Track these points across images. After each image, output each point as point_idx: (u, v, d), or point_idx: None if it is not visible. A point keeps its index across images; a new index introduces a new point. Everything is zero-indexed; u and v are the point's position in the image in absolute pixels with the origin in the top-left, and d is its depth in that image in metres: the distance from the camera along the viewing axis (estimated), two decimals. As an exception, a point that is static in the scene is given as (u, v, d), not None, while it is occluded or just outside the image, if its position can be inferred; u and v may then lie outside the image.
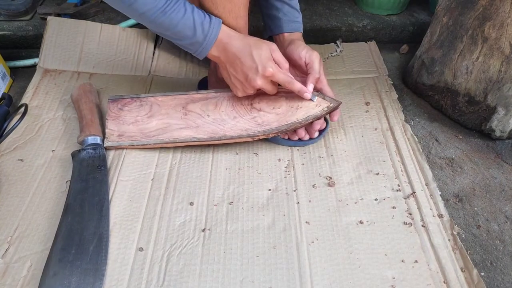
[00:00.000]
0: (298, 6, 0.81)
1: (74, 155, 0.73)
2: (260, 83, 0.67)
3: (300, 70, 0.77)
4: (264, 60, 0.66)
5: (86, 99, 0.80)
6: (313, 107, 0.73)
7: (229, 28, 0.67)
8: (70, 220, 0.63)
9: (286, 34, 0.80)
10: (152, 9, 0.61)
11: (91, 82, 0.88)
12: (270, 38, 0.82)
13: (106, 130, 0.74)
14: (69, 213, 0.64)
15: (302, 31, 0.82)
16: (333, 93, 0.76)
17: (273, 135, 0.73)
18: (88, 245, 0.60)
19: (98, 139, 0.74)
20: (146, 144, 0.74)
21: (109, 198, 0.68)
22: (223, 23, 0.67)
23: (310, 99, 0.72)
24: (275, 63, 0.68)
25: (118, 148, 0.75)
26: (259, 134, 0.73)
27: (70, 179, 0.69)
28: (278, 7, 0.79)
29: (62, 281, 0.56)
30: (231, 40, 0.66)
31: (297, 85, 0.70)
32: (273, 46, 0.69)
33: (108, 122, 0.75)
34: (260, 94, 0.76)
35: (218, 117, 0.75)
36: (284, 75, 0.69)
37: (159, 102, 0.77)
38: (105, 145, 0.73)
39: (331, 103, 0.73)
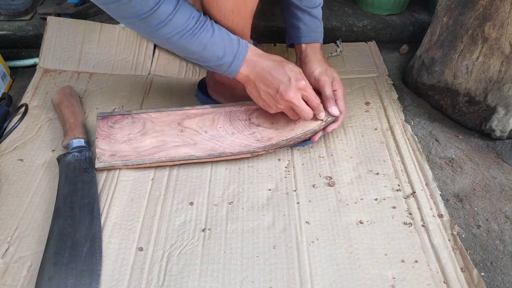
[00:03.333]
0: (320, 15, 0.79)
1: (60, 159, 0.72)
2: (292, 95, 0.66)
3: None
4: (296, 72, 0.67)
5: (67, 103, 0.80)
6: (311, 122, 0.73)
7: (255, 47, 0.68)
8: (61, 224, 0.63)
9: (303, 45, 0.79)
10: (181, 32, 0.60)
11: (71, 85, 0.88)
12: (291, 46, 0.82)
13: (97, 150, 0.70)
14: (60, 216, 0.64)
15: (321, 41, 0.80)
16: (345, 105, 0.77)
17: (272, 151, 0.73)
18: (81, 247, 0.60)
19: (82, 142, 0.74)
20: (141, 164, 0.71)
21: (99, 198, 0.68)
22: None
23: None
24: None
25: (111, 169, 0.71)
26: (259, 150, 0.72)
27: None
28: (299, 16, 0.77)
29: (58, 284, 0.56)
30: (260, 58, 0.67)
31: (320, 108, 0.71)
32: (301, 71, 0.70)
33: (98, 141, 0.71)
34: (258, 109, 0.75)
35: (216, 133, 0.74)
36: (314, 94, 0.69)
37: (152, 119, 0.74)
38: (96, 166, 0.70)
39: (328, 117, 0.73)
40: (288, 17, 0.80)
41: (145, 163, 0.70)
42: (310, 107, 0.69)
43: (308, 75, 0.74)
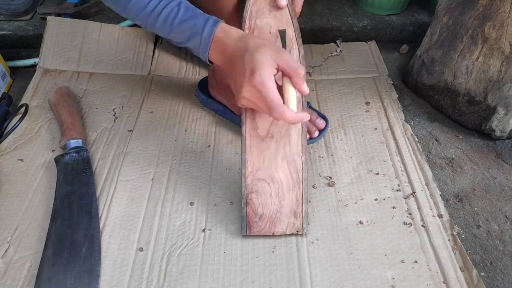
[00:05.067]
0: None
1: (57, 160, 0.72)
2: (246, 93, 0.53)
3: None
4: (256, 64, 0.52)
5: (64, 103, 0.80)
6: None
7: (230, 27, 0.57)
8: (59, 225, 0.63)
9: None
10: (147, 13, 0.58)
11: (68, 86, 0.88)
12: None
13: (288, 233, 0.63)
14: (58, 217, 0.64)
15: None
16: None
17: None
18: (80, 247, 0.60)
19: (80, 142, 0.74)
20: (305, 181, 0.64)
21: (98, 198, 0.68)
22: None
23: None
24: (283, 71, 0.55)
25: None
26: None
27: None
28: None
29: (57, 285, 0.56)
30: (229, 39, 0.56)
31: (287, 116, 0.53)
32: (281, 52, 0.54)
33: (279, 232, 0.63)
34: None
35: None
36: (272, 97, 0.52)
37: (254, 171, 0.64)
38: (307, 232, 0.63)
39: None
40: None
41: (305, 177, 0.63)
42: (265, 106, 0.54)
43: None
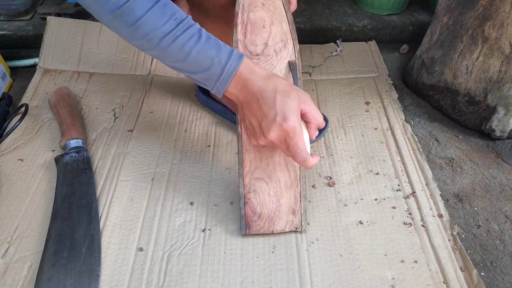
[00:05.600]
0: None
1: (57, 160, 0.72)
2: (273, 136, 0.53)
3: None
4: (288, 110, 0.52)
5: (64, 103, 0.80)
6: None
7: (254, 64, 0.55)
8: (59, 225, 0.63)
9: None
10: (160, 33, 0.51)
11: (68, 86, 0.88)
12: None
13: (287, 230, 0.63)
14: (58, 217, 0.64)
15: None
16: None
17: None
18: (80, 247, 0.60)
19: (80, 142, 0.74)
20: (304, 179, 0.64)
21: (99, 198, 0.68)
22: (215, 30, 0.59)
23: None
24: (305, 117, 0.56)
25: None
26: None
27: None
28: None
29: (57, 285, 0.56)
30: (254, 76, 0.54)
31: (308, 163, 0.55)
32: (306, 96, 0.55)
33: (278, 230, 0.63)
34: None
35: None
36: (302, 146, 0.54)
37: (253, 172, 0.64)
38: (305, 229, 0.62)
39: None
40: None
41: (303, 175, 0.63)
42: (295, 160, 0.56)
43: None
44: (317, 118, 0.56)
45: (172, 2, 0.53)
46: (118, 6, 0.50)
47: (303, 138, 0.55)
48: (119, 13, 0.50)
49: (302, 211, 0.63)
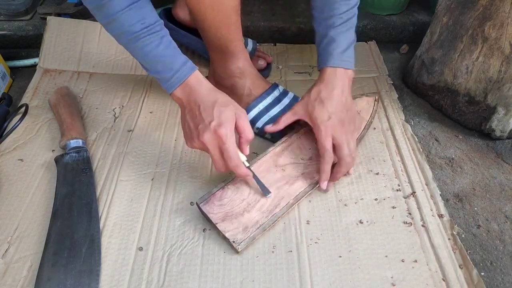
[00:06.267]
0: (342, 37, 0.69)
1: (57, 160, 0.72)
2: (206, 138, 0.59)
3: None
4: (223, 119, 0.59)
5: (64, 103, 0.80)
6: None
7: (203, 78, 0.63)
8: (59, 225, 0.63)
9: (322, 70, 0.71)
10: (125, 33, 0.59)
11: (68, 86, 0.88)
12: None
13: (227, 235, 0.62)
14: (58, 217, 0.64)
15: (344, 67, 0.70)
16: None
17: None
18: (80, 247, 0.60)
19: (80, 142, 0.74)
20: (276, 220, 0.64)
21: (99, 198, 0.68)
22: (214, 32, 0.66)
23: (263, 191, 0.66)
24: (238, 130, 0.62)
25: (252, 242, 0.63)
26: None
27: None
28: (317, 40, 0.72)
29: (57, 285, 0.56)
30: (200, 87, 0.62)
31: (239, 170, 0.62)
32: (242, 113, 0.63)
33: (221, 226, 0.62)
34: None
35: (311, 155, 0.72)
36: (233, 151, 0.60)
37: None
38: (239, 249, 0.61)
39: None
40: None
41: (278, 215, 0.65)
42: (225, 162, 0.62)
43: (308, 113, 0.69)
44: (247, 134, 0.62)
45: (149, 7, 0.60)
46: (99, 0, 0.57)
47: (235, 145, 0.61)
48: (99, 6, 0.58)
49: (250, 235, 0.62)
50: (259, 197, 0.67)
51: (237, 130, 0.62)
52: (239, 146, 0.64)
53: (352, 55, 0.71)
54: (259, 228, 0.63)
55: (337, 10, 0.68)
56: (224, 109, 0.60)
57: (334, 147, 0.67)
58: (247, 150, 0.64)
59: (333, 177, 0.68)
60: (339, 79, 0.69)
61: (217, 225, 0.63)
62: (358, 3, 0.70)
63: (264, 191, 0.66)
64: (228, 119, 0.60)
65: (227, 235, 0.62)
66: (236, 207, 0.65)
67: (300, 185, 0.69)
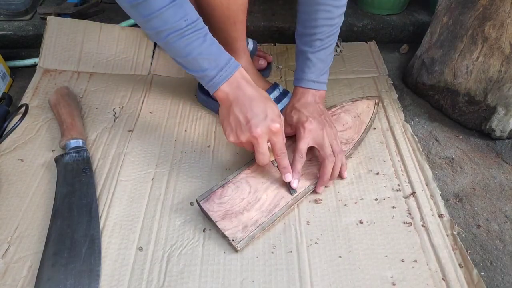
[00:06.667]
0: (319, 61, 0.73)
1: (57, 160, 0.72)
2: (260, 132, 0.61)
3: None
4: (276, 115, 0.62)
5: (64, 103, 0.80)
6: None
7: (247, 74, 0.64)
8: (59, 225, 0.63)
9: (296, 88, 0.75)
10: (169, 29, 0.57)
11: (68, 86, 0.88)
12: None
13: (226, 233, 0.62)
14: (58, 217, 0.64)
15: (315, 89, 0.73)
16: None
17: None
18: (80, 247, 0.60)
19: (80, 142, 0.74)
20: (276, 219, 0.64)
21: (99, 198, 0.68)
22: (221, 28, 0.66)
23: (290, 187, 0.67)
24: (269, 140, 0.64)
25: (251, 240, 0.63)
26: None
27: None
28: (297, 59, 0.75)
29: (57, 285, 0.56)
30: (247, 84, 0.62)
31: (285, 161, 0.65)
32: (282, 117, 0.65)
33: (221, 224, 0.63)
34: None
35: (310, 156, 0.73)
36: (283, 144, 0.64)
37: (251, 175, 0.70)
38: (239, 248, 0.61)
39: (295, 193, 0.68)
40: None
41: (278, 215, 0.65)
42: (273, 153, 0.65)
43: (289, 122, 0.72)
44: (278, 150, 0.64)
45: (189, 4, 0.59)
46: None
47: (284, 140, 0.64)
48: (136, 4, 0.56)
49: (249, 234, 0.62)
50: (259, 196, 0.67)
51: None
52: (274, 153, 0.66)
53: (326, 77, 0.75)
54: (259, 227, 0.63)
55: (319, 29, 0.70)
56: (274, 106, 0.63)
57: (317, 150, 0.70)
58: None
59: (320, 180, 0.69)
60: (310, 97, 0.73)
61: (216, 223, 0.63)
62: (342, 20, 0.73)
63: (292, 190, 0.67)
64: (279, 114, 0.63)
65: (226, 233, 0.62)
66: (236, 205, 0.65)
67: (300, 186, 0.69)
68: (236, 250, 0.61)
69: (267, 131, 0.61)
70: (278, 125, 0.62)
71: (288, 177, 0.66)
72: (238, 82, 0.62)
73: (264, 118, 0.61)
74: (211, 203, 0.65)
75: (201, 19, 0.60)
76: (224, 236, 0.62)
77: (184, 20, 0.57)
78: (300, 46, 0.73)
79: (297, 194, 0.68)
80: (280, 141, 0.64)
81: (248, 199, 0.66)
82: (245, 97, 0.62)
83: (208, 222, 0.65)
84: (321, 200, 0.69)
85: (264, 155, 0.64)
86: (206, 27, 0.61)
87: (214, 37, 0.74)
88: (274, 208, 0.65)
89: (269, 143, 0.64)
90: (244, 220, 0.64)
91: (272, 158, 0.66)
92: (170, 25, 0.57)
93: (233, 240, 0.61)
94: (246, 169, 0.70)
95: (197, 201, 0.65)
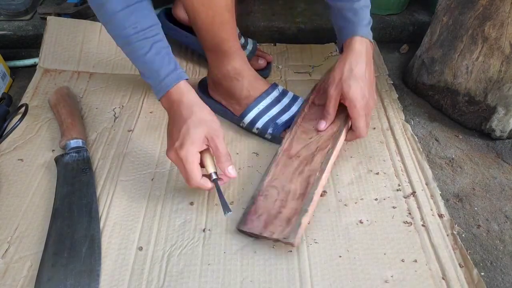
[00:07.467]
0: (363, 10, 0.73)
1: (57, 160, 0.72)
2: (171, 156, 0.61)
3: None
4: (187, 140, 0.59)
5: (64, 103, 0.80)
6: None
7: (189, 89, 0.63)
8: (59, 225, 0.63)
9: (346, 41, 0.73)
10: (119, 36, 0.61)
11: (68, 86, 0.88)
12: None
13: (275, 236, 0.61)
14: (58, 217, 0.64)
15: (365, 36, 0.72)
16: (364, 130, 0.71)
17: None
18: (80, 247, 0.60)
19: (80, 142, 0.74)
20: (314, 196, 0.64)
21: (98, 198, 0.68)
22: (208, 30, 0.67)
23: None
24: (212, 150, 0.62)
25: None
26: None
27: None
28: (341, 16, 0.74)
29: (57, 285, 0.56)
30: (181, 100, 0.61)
31: (204, 187, 0.62)
32: (216, 132, 0.61)
33: (267, 232, 0.61)
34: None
35: (316, 131, 0.74)
36: (192, 171, 0.59)
37: (273, 177, 0.70)
38: (295, 243, 0.59)
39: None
40: (335, 24, 0.77)
41: (313, 192, 0.64)
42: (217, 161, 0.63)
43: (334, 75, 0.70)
44: (220, 153, 0.61)
45: (144, 10, 0.60)
46: (98, 2, 0.59)
47: (195, 167, 0.60)
48: (96, 8, 0.60)
49: (296, 223, 0.61)
50: (288, 189, 0.66)
51: (212, 150, 0.62)
52: (218, 165, 0.63)
53: (371, 32, 0.74)
54: (301, 213, 0.62)
55: None
56: (194, 129, 0.59)
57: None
58: (228, 168, 0.63)
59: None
60: (367, 50, 0.71)
61: (262, 234, 0.61)
62: None
63: (224, 209, 0.62)
64: (193, 140, 0.59)
65: (275, 236, 0.60)
66: (272, 210, 0.64)
67: (320, 158, 0.69)
68: (293, 245, 0.60)
69: (176, 156, 0.60)
70: (183, 152, 0.59)
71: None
72: (174, 98, 0.62)
73: (174, 143, 0.60)
74: (250, 222, 0.64)
75: (155, 26, 0.62)
76: (277, 241, 0.61)
77: (133, 27, 0.59)
78: (345, 4, 0.72)
79: (321, 165, 0.68)
80: (188, 170, 0.60)
81: (279, 199, 0.66)
82: (172, 116, 0.62)
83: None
84: (322, 200, 0.69)
85: (185, 179, 0.62)
86: (160, 36, 0.62)
87: (204, 39, 0.74)
88: (307, 188, 0.65)
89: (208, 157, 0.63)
90: (285, 216, 0.63)
91: (211, 170, 0.63)
92: (120, 31, 0.60)
93: (285, 238, 0.59)
94: (267, 177, 0.70)
95: (239, 229, 0.64)
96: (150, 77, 0.63)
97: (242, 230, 0.64)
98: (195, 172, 0.60)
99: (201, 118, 0.61)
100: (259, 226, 0.63)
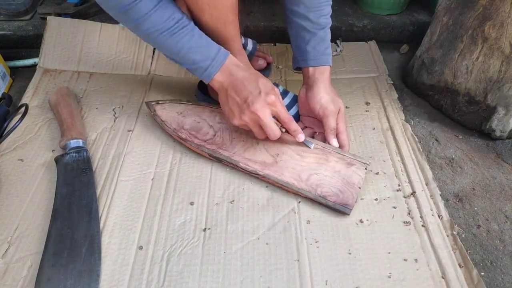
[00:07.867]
0: (328, 36, 0.77)
1: (57, 160, 0.72)
2: (258, 106, 0.63)
3: (316, 118, 0.77)
4: (269, 88, 0.65)
5: (64, 103, 0.80)
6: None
7: (236, 60, 0.68)
8: (59, 225, 0.63)
9: (311, 69, 0.77)
10: (159, 29, 0.62)
11: (68, 86, 0.88)
12: (298, 69, 0.81)
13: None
14: (58, 217, 0.64)
15: (330, 64, 0.77)
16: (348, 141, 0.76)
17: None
18: (80, 247, 0.60)
19: (80, 142, 0.74)
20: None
21: (98, 198, 0.68)
22: (211, 29, 0.68)
23: (304, 144, 0.72)
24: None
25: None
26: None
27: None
28: (306, 38, 0.76)
29: (57, 285, 0.56)
30: (237, 68, 0.67)
31: (293, 125, 0.68)
32: (276, 89, 0.67)
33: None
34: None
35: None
36: (285, 111, 0.67)
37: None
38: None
39: (316, 146, 0.73)
40: (294, 39, 0.78)
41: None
42: (280, 122, 0.68)
43: (314, 102, 0.75)
44: (284, 119, 0.67)
45: (173, 3, 0.62)
46: (125, 5, 0.59)
47: (272, 120, 0.66)
48: (124, 11, 0.60)
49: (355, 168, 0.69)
50: (324, 161, 0.72)
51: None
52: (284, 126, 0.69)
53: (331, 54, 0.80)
54: (346, 166, 0.71)
55: (323, 11, 0.75)
56: (266, 82, 0.66)
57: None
58: (299, 136, 0.70)
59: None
60: (329, 75, 0.78)
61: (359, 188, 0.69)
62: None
63: (308, 144, 0.72)
64: (272, 88, 0.66)
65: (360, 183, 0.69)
66: (336, 183, 0.69)
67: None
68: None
69: (265, 104, 0.64)
70: (273, 97, 0.64)
71: (301, 137, 0.70)
72: (230, 69, 0.66)
73: (258, 94, 0.64)
74: (346, 199, 0.67)
75: (186, 15, 0.65)
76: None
77: (172, 19, 0.62)
78: (309, 29, 0.75)
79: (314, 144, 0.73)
80: (281, 109, 0.66)
81: (328, 173, 0.70)
82: (238, 80, 0.65)
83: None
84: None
85: (271, 128, 0.66)
86: (192, 22, 0.65)
87: None
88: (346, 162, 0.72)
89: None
90: (342, 177, 0.70)
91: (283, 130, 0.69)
92: (159, 25, 0.62)
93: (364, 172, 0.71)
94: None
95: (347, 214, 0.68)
96: (199, 60, 0.65)
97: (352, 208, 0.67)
98: (274, 125, 0.66)
99: (263, 76, 0.68)
100: (352, 193, 0.68)
